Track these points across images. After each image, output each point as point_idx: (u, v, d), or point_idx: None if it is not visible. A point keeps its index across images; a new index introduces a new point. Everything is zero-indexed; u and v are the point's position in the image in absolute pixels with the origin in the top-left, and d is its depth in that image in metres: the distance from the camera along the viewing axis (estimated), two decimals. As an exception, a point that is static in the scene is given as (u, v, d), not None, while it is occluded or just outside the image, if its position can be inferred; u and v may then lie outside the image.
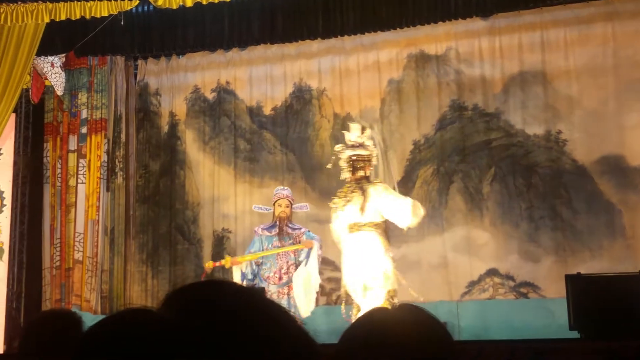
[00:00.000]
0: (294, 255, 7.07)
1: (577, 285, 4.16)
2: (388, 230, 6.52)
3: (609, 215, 8.20)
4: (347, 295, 6.33)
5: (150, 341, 0.81)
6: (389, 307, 1.33)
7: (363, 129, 6.65)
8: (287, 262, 7.04)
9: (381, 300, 6.14)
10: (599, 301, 3.98)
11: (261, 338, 0.85)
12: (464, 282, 8.47)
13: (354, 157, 6.48)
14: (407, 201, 6.31)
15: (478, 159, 8.77)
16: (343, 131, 6.98)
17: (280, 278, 6.95)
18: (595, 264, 7.97)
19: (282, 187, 7.56)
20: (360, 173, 6.46)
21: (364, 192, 6.33)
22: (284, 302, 6.84)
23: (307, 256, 7.04)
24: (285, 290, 6.96)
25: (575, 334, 4.01)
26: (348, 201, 6.34)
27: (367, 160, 6.51)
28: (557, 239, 8.32)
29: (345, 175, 6.59)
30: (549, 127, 8.57)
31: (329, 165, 6.95)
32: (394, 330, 1.26)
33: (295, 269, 6.99)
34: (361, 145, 6.54)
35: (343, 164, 6.60)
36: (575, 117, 8.50)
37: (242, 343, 0.83)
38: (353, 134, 6.67)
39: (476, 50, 9.00)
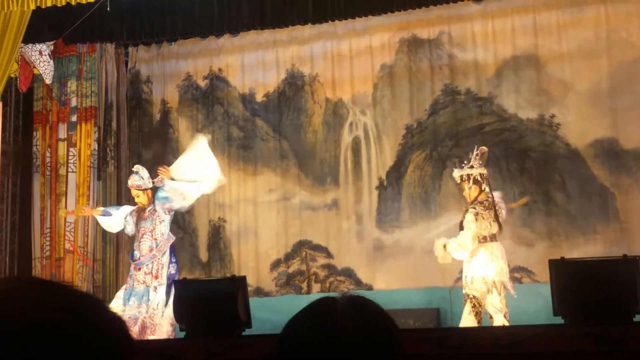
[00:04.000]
0: (160, 223, 7.07)
1: (561, 271, 4.08)
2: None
3: (602, 199, 8.16)
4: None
5: None
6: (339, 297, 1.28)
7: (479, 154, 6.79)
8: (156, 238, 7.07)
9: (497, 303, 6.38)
10: (583, 286, 3.91)
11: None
12: (457, 267, 8.40)
13: (483, 176, 6.69)
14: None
15: (471, 143, 8.65)
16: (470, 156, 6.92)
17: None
18: (589, 248, 7.93)
19: (133, 171, 7.39)
20: (487, 190, 6.66)
21: (495, 208, 6.60)
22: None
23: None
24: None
25: (560, 320, 3.96)
26: (486, 215, 6.53)
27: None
28: (551, 224, 8.28)
29: (474, 194, 6.65)
30: (542, 111, 8.51)
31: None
32: (338, 319, 1.21)
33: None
34: (480, 165, 6.75)
35: (468, 183, 6.65)
36: (568, 101, 8.44)
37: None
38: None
39: (469, 34, 8.93)
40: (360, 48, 9.29)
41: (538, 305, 7.28)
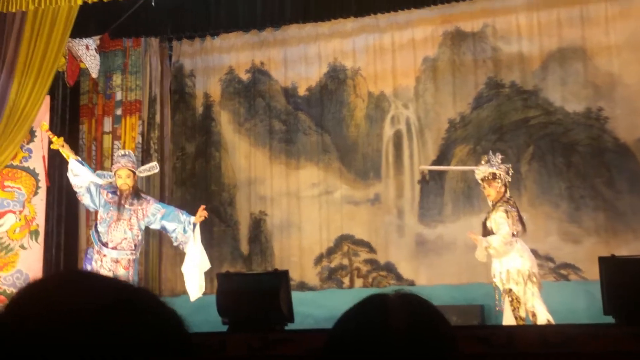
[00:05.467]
0: (138, 219, 6.89)
1: (611, 268, 3.99)
2: None
3: (652, 195, 7.98)
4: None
5: None
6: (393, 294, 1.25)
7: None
8: (132, 228, 6.87)
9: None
10: (634, 285, 3.81)
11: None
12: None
13: (506, 178, 6.67)
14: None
15: (516, 137, 8.60)
16: (487, 157, 6.88)
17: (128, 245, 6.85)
18: (638, 245, 7.76)
19: (122, 153, 7.29)
20: (508, 192, 6.69)
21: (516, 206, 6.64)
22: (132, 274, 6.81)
23: (192, 231, 6.91)
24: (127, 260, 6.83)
25: (610, 319, 3.86)
26: (514, 213, 6.54)
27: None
28: (599, 220, 8.12)
29: (500, 195, 6.62)
30: (590, 104, 8.36)
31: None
32: (390, 317, 1.18)
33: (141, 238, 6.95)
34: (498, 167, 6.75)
35: (497, 182, 6.62)
36: (616, 94, 8.27)
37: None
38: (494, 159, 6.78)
39: (514, 26, 8.81)
40: (403, 41, 9.22)
41: (586, 304, 7.16)
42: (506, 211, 6.42)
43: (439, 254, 8.65)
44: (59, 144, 7.21)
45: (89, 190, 6.97)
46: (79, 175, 7.04)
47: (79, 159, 7.26)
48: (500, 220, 6.38)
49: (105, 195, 6.94)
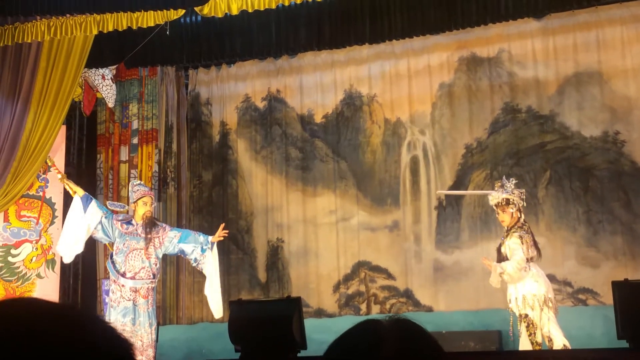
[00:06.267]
0: (155, 248, 6.81)
1: (625, 292, 3.94)
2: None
3: (671, 219, 7.87)
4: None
5: None
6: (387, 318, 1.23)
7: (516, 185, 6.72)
8: (150, 257, 6.78)
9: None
10: (647, 308, 3.75)
11: None
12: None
13: (520, 203, 6.60)
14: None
15: (532, 162, 8.55)
16: (500, 182, 6.80)
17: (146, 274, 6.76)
18: (658, 269, 7.65)
19: (138, 182, 7.27)
20: (522, 217, 6.60)
21: (530, 231, 6.58)
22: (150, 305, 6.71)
23: (210, 249, 6.87)
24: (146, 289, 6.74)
25: (624, 343, 3.79)
26: (528, 239, 6.47)
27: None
28: (616, 244, 8.03)
29: (514, 220, 6.54)
30: (606, 128, 8.30)
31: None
32: (383, 342, 1.16)
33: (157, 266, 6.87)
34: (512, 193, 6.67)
35: (511, 208, 6.54)
36: (633, 118, 8.21)
37: None
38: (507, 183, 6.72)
39: (529, 51, 8.79)
40: (419, 67, 9.23)
41: (605, 328, 7.04)
42: (520, 237, 6.35)
43: (457, 280, 8.58)
44: (64, 180, 7.22)
45: (101, 223, 6.92)
46: (76, 215, 6.93)
47: (86, 193, 7.11)
48: (514, 246, 6.31)
49: (120, 226, 6.89)
